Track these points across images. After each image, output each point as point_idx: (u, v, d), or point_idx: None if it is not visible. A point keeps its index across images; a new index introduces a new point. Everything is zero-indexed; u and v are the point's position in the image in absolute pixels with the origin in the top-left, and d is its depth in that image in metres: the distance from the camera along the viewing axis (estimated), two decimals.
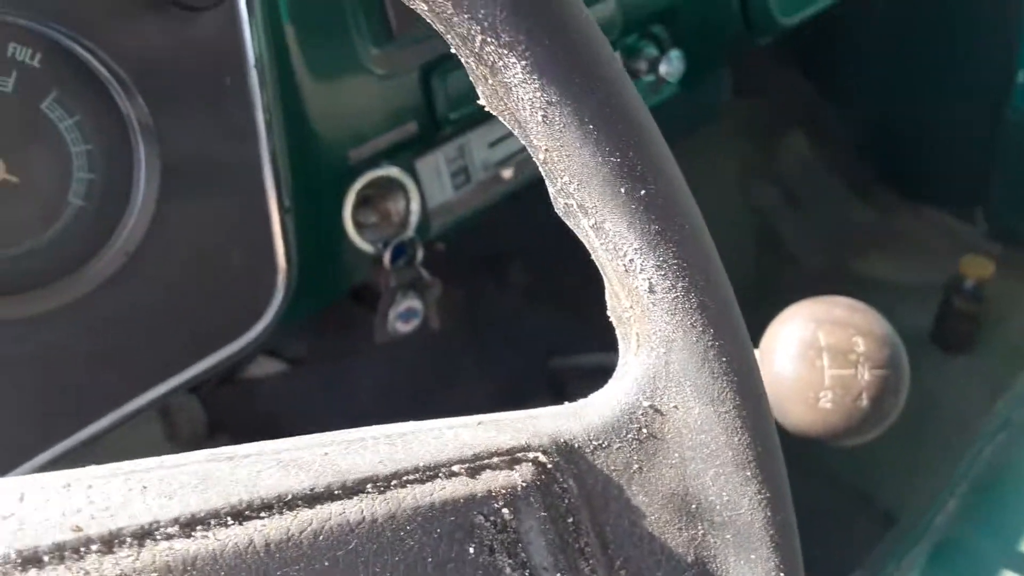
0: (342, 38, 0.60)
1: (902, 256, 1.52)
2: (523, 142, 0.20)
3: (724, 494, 0.20)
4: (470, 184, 0.78)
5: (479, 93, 0.20)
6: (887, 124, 1.57)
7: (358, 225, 0.70)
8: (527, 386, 1.16)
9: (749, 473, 0.20)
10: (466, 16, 0.17)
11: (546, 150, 0.19)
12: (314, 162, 0.61)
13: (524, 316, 1.27)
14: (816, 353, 0.36)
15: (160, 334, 0.54)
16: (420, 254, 0.74)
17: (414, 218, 0.73)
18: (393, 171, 0.69)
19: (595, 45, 0.19)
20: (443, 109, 0.68)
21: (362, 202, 0.71)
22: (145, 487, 0.18)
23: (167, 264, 0.53)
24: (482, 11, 0.17)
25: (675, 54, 0.83)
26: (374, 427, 0.21)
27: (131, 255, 0.52)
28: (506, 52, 0.18)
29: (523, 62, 0.18)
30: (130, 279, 0.52)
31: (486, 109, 0.21)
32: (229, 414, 0.99)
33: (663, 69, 0.83)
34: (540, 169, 0.21)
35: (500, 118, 0.20)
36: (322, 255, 0.66)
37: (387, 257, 0.72)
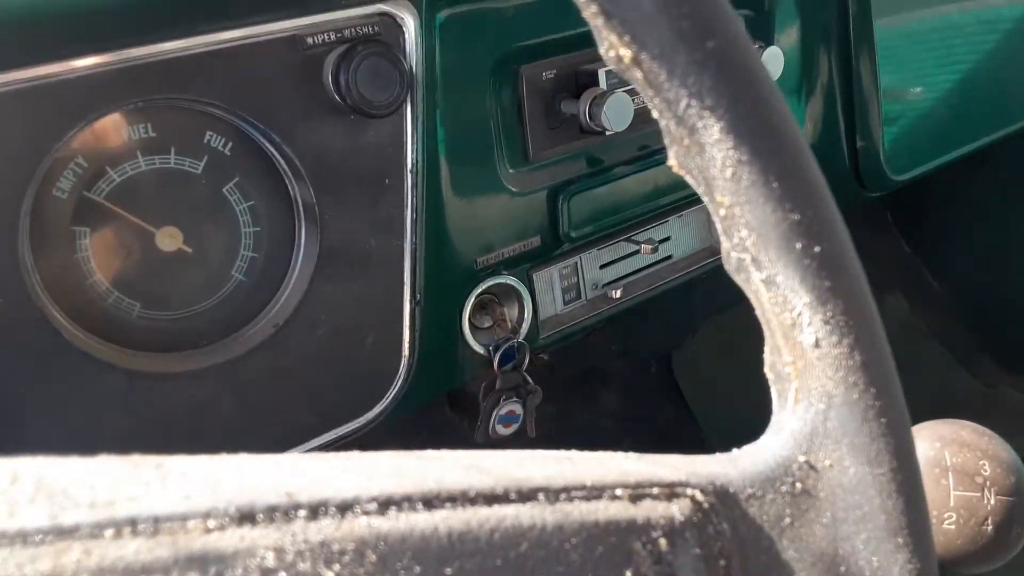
0: (486, 157, 0.66)
1: (1006, 430, 1.46)
2: (703, 198, 0.23)
3: (875, 559, 0.21)
4: (580, 300, 0.82)
5: (670, 154, 0.23)
6: (990, 292, 1.56)
7: (473, 327, 0.74)
8: None
9: (901, 540, 0.21)
10: (676, 83, 0.21)
11: (729, 206, 0.22)
12: (446, 263, 0.66)
13: (612, 440, 1.27)
14: (942, 472, 0.36)
15: (294, 403, 0.58)
16: (526, 361, 0.77)
17: (526, 326, 0.76)
18: (512, 280, 0.74)
19: (783, 111, 0.22)
20: (565, 227, 0.73)
21: (479, 305, 0.75)
22: (346, 470, 0.21)
23: (309, 338, 0.58)
24: (691, 79, 0.21)
25: None
26: (541, 451, 0.23)
27: (279, 327, 0.57)
28: (707, 114, 0.21)
29: (721, 123, 0.21)
30: (275, 348, 0.57)
31: (673, 169, 0.24)
32: None
33: None
34: (717, 225, 0.23)
35: (686, 176, 0.23)
36: (439, 350, 0.69)
37: (496, 360, 0.75)
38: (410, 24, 0.56)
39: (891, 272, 1.60)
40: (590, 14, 0.21)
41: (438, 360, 0.70)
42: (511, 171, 0.69)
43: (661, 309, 0.90)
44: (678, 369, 1.39)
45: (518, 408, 0.79)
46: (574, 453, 0.24)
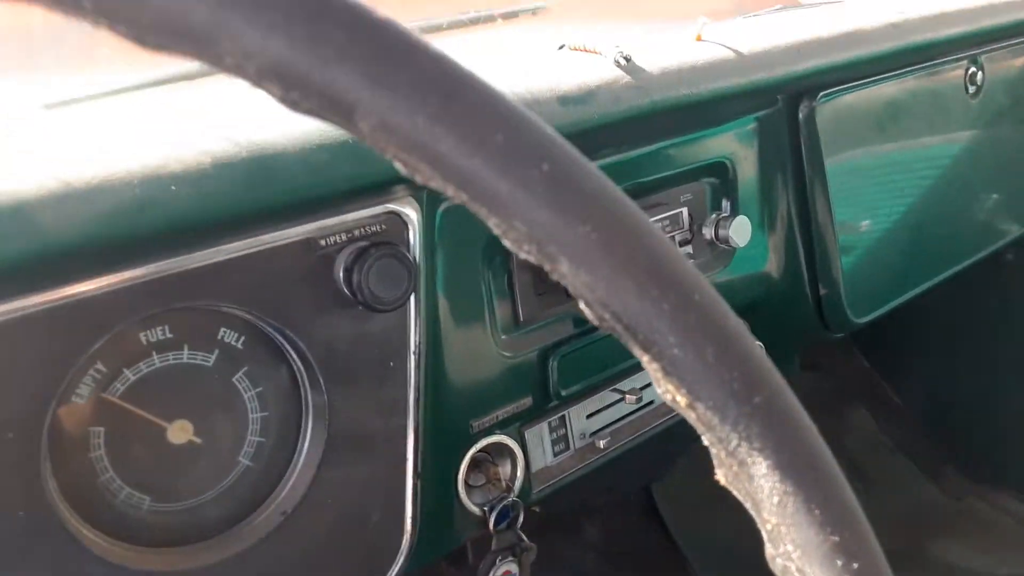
0: (481, 328, 0.69)
1: (977, 542, 1.49)
2: (751, 511, 0.26)
3: None
4: (568, 451, 0.84)
5: (719, 472, 0.26)
6: (951, 405, 1.61)
7: (467, 486, 0.75)
8: None
9: None
10: (728, 428, 0.24)
11: (776, 524, 0.25)
12: (443, 432, 0.68)
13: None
14: None
15: None
16: (521, 519, 0.78)
17: (519, 483, 0.77)
18: (505, 438, 0.75)
19: (821, 447, 0.25)
20: (556, 387, 0.76)
21: (472, 463, 0.76)
22: None
23: (317, 524, 0.59)
24: (741, 426, 0.24)
25: (758, 345, 0.91)
26: None
27: (287, 515, 0.58)
28: (756, 454, 0.24)
29: (769, 461, 0.24)
30: (283, 536, 0.57)
31: (722, 483, 0.27)
32: None
33: None
34: (763, 534, 0.26)
35: (734, 491, 0.26)
36: (436, 515, 0.70)
37: (492, 520, 0.76)
38: (414, 219, 0.59)
39: (854, 388, 1.65)
40: (649, 367, 0.24)
41: (436, 525, 0.70)
42: (503, 336, 0.72)
43: (641, 445, 0.92)
44: (659, 498, 1.40)
45: (514, 567, 0.79)
46: None
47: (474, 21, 0.82)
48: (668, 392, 0.24)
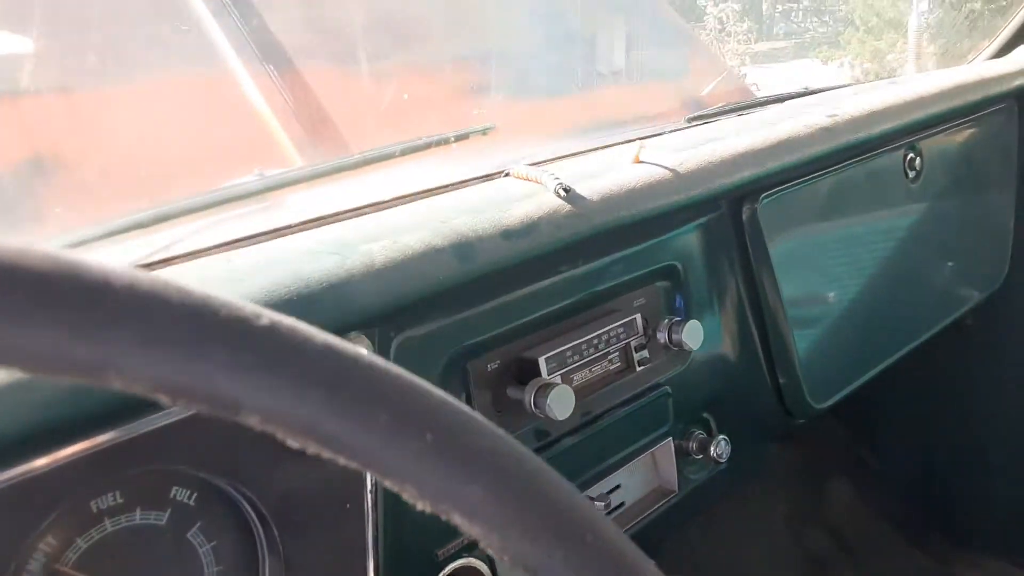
0: None
1: None
2: None
3: None
4: None
5: None
6: (933, 469, 1.62)
7: None
8: None
9: None
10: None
11: None
12: (407, 565, 0.67)
13: None
14: None
15: None
16: None
17: None
18: (473, 561, 0.75)
19: None
20: None
21: None
22: None
23: None
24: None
25: (722, 438, 0.92)
26: None
27: None
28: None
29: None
30: None
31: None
32: None
33: (713, 451, 0.91)
34: None
35: None
36: None
37: None
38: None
39: (833, 457, 1.66)
40: None
41: None
42: None
43: None
44: None
45: None
46: None
47: (428, 145, 0.85)
48: None
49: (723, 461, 0.92)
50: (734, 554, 1.46)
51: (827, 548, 1.56)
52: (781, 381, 0.94)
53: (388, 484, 0.23)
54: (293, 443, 0.22)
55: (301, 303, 0.57)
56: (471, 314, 0.70)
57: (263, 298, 0.56)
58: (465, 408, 0.24)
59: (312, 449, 0.22)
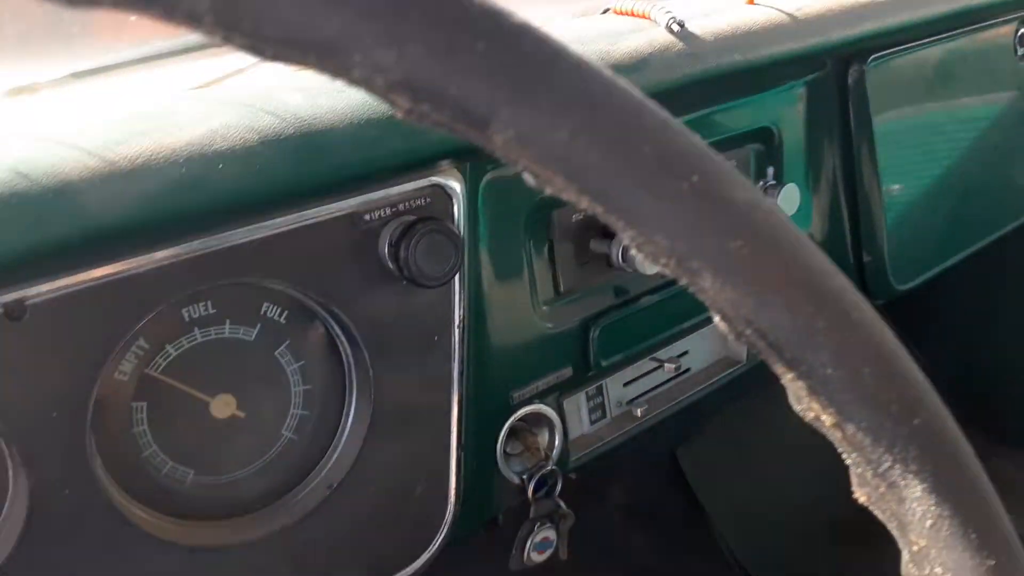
0: (523, 299, 0.68)
1: (1003, 503, 1.49)
2: (893, 532, 0.24)
3: None
4: (605, 419, 0.83)
5: (857, 489, 0.24)
6: (975, 366, 1.59)
7: (505, 456, 0.75)
8: None
9: None
10: (881, 450, 0.22)
11: (924, 546, 0.23)
12: (485, 404, 0.67)
13: (625, 538, 1.27)
14: None
15: (346, 562, 0.58)
16: (559, 487, 0.78)
17: (557, 451, 0.77)
18: (544, 408, 0.75)
19: (977, 470, 0.23)
20: (595, 357, 0.74)
21: (509, 434, 0.76)
22: None
23: (363, 497, 0.58)
24: (897, 448, 0.22)
25: None
26: None
27: (333, 488, 0.57)
28: (911, 476, 0.22)
29: (925, 484, 0.22)
30: (328, 511, 0.57)
31: (860, 502, 0.25)
32: None
33: None
34: (905, 554, 0.24)
35: (873, 509, 0.24)
36: (477, 486, 0.70)
37: (531, 488, 0.75)
38: (458, 192, 0.58)
39: None
40: (792, 384, 0.22)
41: (476, 496, 0.70)
42: (544, 307, 0.70)
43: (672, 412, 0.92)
44: (684, 461, 1.40)
45: (552, 534, 0.79)
46: None
47: None
48: (811, 410, 0.22)
49: None
50: (780, 429, 1.47)
51: None
52: (865, 259, 0.90)
53: (629, 233, 0.20)
54: (529, 178, 0.20)
55: (394, 122, 0.54)
56: None
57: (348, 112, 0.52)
58: (724, 160, 0.21)
59: (554, 184, 0.19)
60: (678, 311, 0.80)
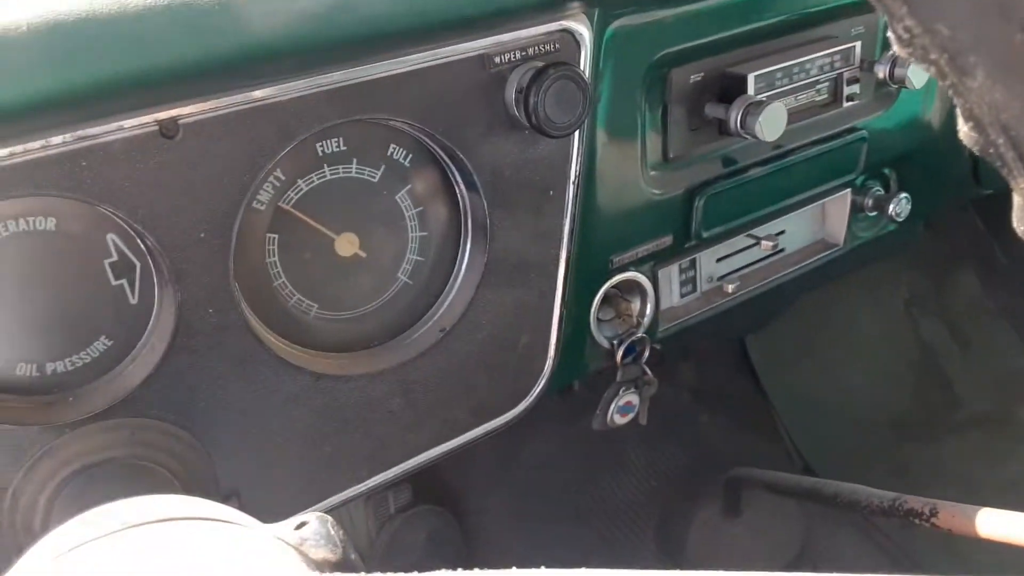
0: (631, 161, 0.67)
1: None
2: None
3: None
4: (695, 293, 0.83)
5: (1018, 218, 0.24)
6: None
7: (598, 320, 0.76)
8: (697, 488, 1.18)
9: None
10: None
11: None
12: (587, 264, 0.67)
13: (692, 418, 1.30)
14: None
15: (454, 401, 0.61)
16: (646, 354, 0.79)
17: (647, 319, 0.78)
18: (638, 276, 0.75)
19: None
20: (697, 227, 0.74)
21: (603, 300, 0.77)
22: None
23: (472, 342, 0.60)
24: None
25: (904, 196, 0.87)
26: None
27: (446, 332, 0.59)
28: None
29: None
30: (441, 352, 0.59)
31: (1020, 233, 0.24)
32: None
33: (892, 209, 0.87)
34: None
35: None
36: (572, 344, 0.72)
37: (620, 353, 0.77)
38: (586, 38, 0.56)
39: (965, 250, 1.59)
40: None
41: (571, 353, 0.72)
42: (652, 172, 0.70)
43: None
44: (752, 349, 1.40)
45: (635, 399, 0.81)
46: None
47: None
48: None
49: (900, 219, 0.87)
50: (849, 326, 1.46)
51: (942, 339, 1.54)
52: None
53: (908, 22, 0.19)
54: None
55: None
56: (685, 12, 0.64)
57: None
58: None
59: None
60: (784, 186, 0.79)
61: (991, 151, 0.21)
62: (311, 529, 0.32)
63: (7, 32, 0.40)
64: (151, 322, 0.50)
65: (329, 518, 0.32)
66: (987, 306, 1.60)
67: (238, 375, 0.51)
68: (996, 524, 0.56)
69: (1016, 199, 0.22)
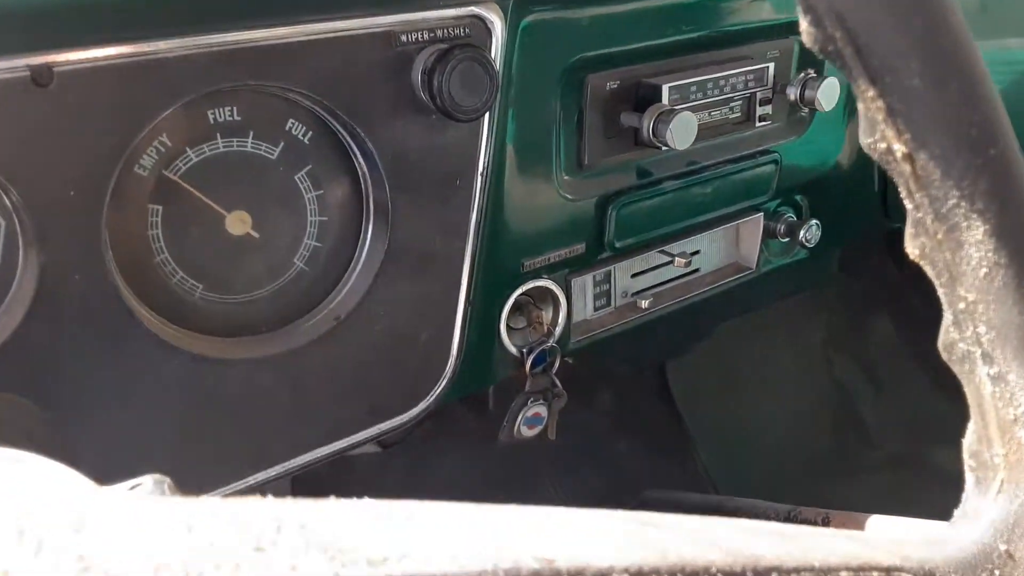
0: (544, 163, 0.66)
1: None
2: (940, 288, 0.24)
3: None
4: (609, 307, 0.82)
5: (911, 243, 0.24)
6: None
7: (508, 328, 0.75)
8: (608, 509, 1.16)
9: None
10: (950, 184, 0.21)
11: (972, 301, 0.23)
12: (495, 265, 0.66)
13: (608, 442, 1.29)
14: None
15: (347, 396, 0.58)
16: (556, 365, 0.78)
17: (559, 329, 0.77)
18: (551, 284, 0.74)
19: None
20: (611, 236, 0.74)
21: (514, 306, 0.75)
22: (591, 533, 0.21)
23: (368, 334, 0.58)
24: (966, 181, 0.21)
25: (815, 222, 0.89)
26: (765, 522, 0.24)
27: (340, 320, 0.57)
28: (975, 216, 0.21)
29: (987, 226, 0.21)
30: (334, 341, 0.57)
31: (911, 256, 0.24)
32: (318, 487, 1.01)
33: (803, 234, 0.88)
34: (948, 317, 0.24)
35: (924, 264, 0.24)
36: (478, 349, 0.70)
37: (529, 361, 0.75)
38: (498, 28, 0.55)
39: (879, 290, 1.63)
40: (872, 105, 0.21)
41: (477, 358, 0.70)
42: (566, 177, 0.69)
43: (666, 317, 0.92)
44: (672, 375, 1.41)
45: (543, 411, 0.80)
46: (789, 528, 0.24)
47: None
48: (882, 140, 0.21)
49: (810, 246, 0.89)
50: (767, 361, 1.48)
51: (857, 379, 1.57)
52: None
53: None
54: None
55: None
56: (603, 14, 0.64)
57: None
58: None
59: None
60: (697, 202, 0.79)
61: (830, 48, 0.21)
62: (145, 490, 0.29)
63: None
64: (13, 287, 0.46)
65: (167, 479, 0.29)
66: (901, 349, 1.65)
67: (105, 350, 0.48)
68: (885, 528, 0.57)
69: (860, 107, 0.22)
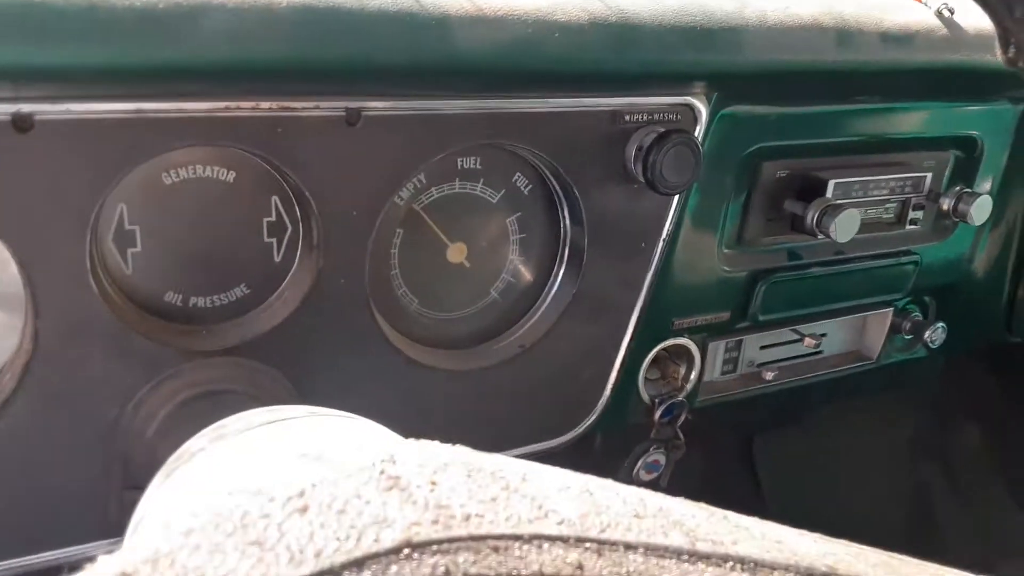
0: (711, 235, 0.73)
1: None
2: None
3: None
4: (734, 373, 0.88)
5: None
6: None
7: (645, 378, 0.81)
8: None
9: None
10: None
11: None
12: (653, 319, 0.73)
13: (690, 498, 1.32)
14: None
15: (517, 413, 0.66)
16: (682, 418, 0.84)
17: (691, 385, 0.83)
18: (690, 344, 0.81)
19: None
20: (755, 308, 0.80)
21: (652, 359, 0.82)
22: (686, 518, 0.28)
23: (545, 364, 0.66)
24: None
25: (941, 325, 0.93)
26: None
27: (524, 349, 0.65)
28: None
29: None
30: (518, 366, 0.65)
31: None
32: None
33: (929, 335, 0.93)
34: None
35: None
36: (620, 392, 0.77)
37: (659, 412, 0.82)
38: (703, 116, 0.63)
39: (975, 395, 1.63)
40: None
41: (617, 401, 0.77)
42: (726, 251, 0.76)
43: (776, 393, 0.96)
44: (758, 449, 1.44)
45: (662, 458, 0.86)
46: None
47: None
48: None
49: (934, 347, 0.93)
50: (852, 445, 1.50)
51: (939, 482, 1.57)
52: (1020, 294, 0.93)
53: None
54: None
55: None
56: (787, 114, 0.72)
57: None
58: None
59: None
60: (837, 290, 0.85)
61: None
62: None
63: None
64: (287, 280, 0.55)
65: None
66: (987, 459, 1.64)
67: (349, 344, 0.57)
68: None
69: None
